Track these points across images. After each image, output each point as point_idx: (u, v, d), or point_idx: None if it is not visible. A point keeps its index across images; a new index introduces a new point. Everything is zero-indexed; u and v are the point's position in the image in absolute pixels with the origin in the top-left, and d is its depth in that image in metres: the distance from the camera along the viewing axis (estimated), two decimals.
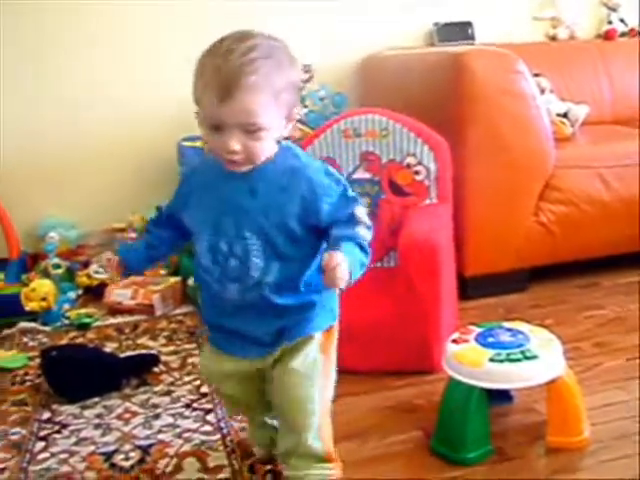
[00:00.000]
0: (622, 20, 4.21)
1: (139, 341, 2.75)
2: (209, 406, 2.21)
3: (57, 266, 3.25)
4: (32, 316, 2.96)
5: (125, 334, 2.84)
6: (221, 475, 1.86)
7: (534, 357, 1.85)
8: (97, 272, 3.15)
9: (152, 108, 3.54)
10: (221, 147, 1.45)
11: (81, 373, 2.31)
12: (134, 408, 2.23)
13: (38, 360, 2.52)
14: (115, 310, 3.04)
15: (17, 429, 2.16)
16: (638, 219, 3.01)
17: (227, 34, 1.46)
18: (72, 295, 3.15)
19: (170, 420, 2.14)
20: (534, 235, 2.93)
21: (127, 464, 1.94)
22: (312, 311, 1.62)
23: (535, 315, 2.63)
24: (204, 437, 2.04)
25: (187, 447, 1.99)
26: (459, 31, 3.90)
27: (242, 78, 1.38)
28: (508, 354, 1.86)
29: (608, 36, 4.15)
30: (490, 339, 1.94)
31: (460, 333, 2.01)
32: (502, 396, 2.06)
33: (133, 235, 3.32)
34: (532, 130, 2.81)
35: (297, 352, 1.61)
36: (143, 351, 2.62)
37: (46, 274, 3.18)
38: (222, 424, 2.10)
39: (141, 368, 2.42)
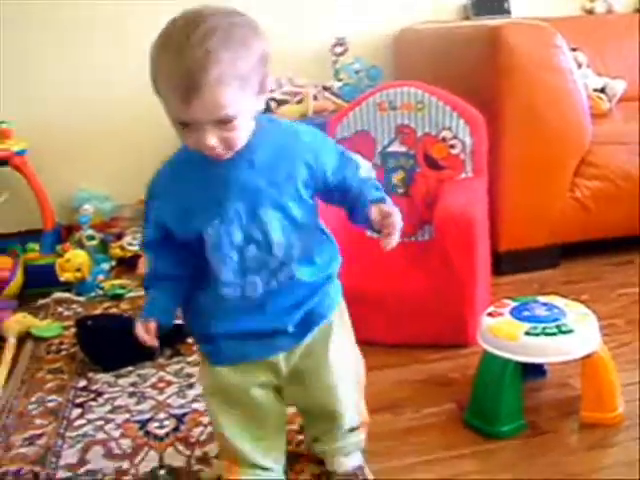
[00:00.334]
0: None
1: None
2: None
3: (91, 238, 3.27)
4: (66, 286, 2.99)
5: None
6: None
7: (570, 331, 1.84)
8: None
9: None
10: (197, 144, 1.31)
11: (116, 342, 2.32)
12: (168, 377, 2.25)
13: (73, 329, 2.55)
14: None
15: (54, 396, 2.20)
16: None
17: (176, 17, 1.28)
18: (106, 266, 3.17)
19: None
20: (569, 211, 2.90)
21: (162, 432, 1.97)
22: (330, 285, 1.56)
23: (569, 291, 2.61)
24: None
25: None
26: (495, 4, 3.86)
27: (204, 73, 1.22)
28: (544, 328, 1.85)
29: None
30: (525, 313, 1.93)
31: (495, 307, 2.00)
32: (536, 371, 2.06)
33: None
34: (569, 105, 2.78)
35: (326, 337, 1.56)
36: (176, 321, 2.62)
37: (80, 245, 3.20)
38: None
39: (174, 338, 2.43)
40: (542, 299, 2.01)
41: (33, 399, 2.19)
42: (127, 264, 3.25)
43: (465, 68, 2.92)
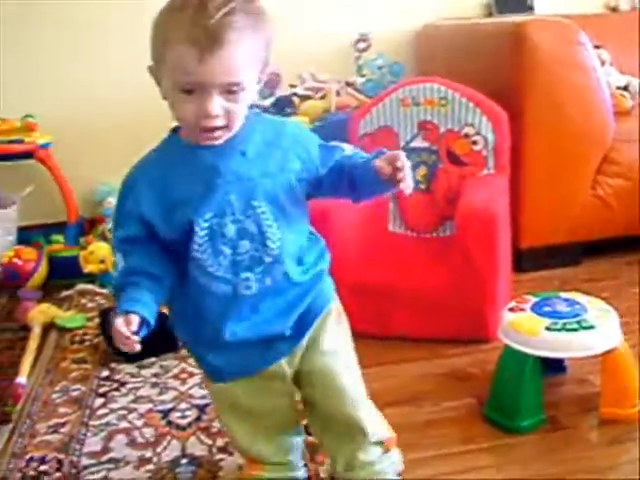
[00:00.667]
0: None
1: None
2: None
3: None
4: (90, 278, 3.02)
5: None
6: None
7: (591, 327, 1.85)
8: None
9: None
10: (198, 113, 1.26)
11: None
12: (190, 369, 2.27)
13: (96, 320, 2.59)
14: None
15: (78, 386, 2.23)
16: None
17: None
18: None
19: None
20: (591, 208, 2.90)
21: (184, 422, 1.99)
22: (322, 283, 1.48)
23: (590, 288, 2.60)
24: None
25: None
26: (518, 1, 3.85)
27: (225, 31, 1.20)
28: (564, 323, 1.86)
29: None
30: (546, 308, 1.93)
31: (516, 302, 2.01)
32: (556, 366, 2.07)
33: None
34: (592, 102, 2.78)
35: (322, 335, 1.48)
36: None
37: (103, 238, 3.23)
38: None
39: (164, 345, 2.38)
40: (564, 295, 2.02)
41: (57, 388, 2.22)
42: None
43: (488, 65, 2.92)
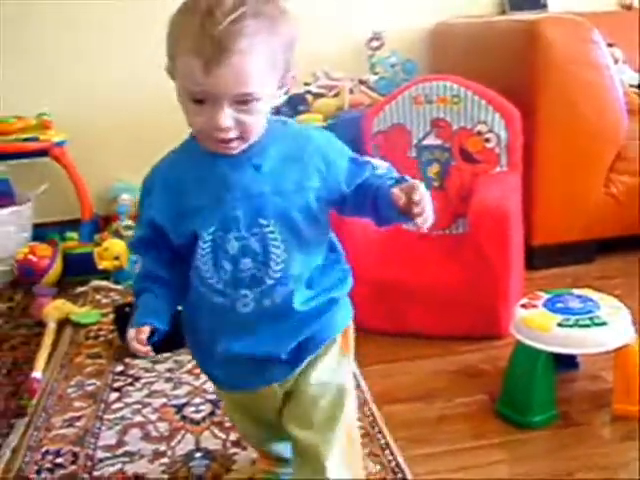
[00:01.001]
0: None
1: None
2: None
3: (128, 227, 3.31)
4: (104, 274, 3.04)
5: None
6: None
7: (603, 324, 1.85)
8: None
9: None
10: (209, 124, 1.20)
11: None
12: None
13: (111, 316, 2.61)
14: None
15: (92, 380, 2.25)
16: None
17: None
18: None
19: None
20: (603, 206, 2.90)
21: (198, 416, 2.01)
22: (335, 310, 1.40)
23: (602, 286, 2.59)
24: None
25: None
26: None
27: (233, 40, 1.13)
28: (577, 320, 1.86)
29: None
30: (559, 305, 1.94)
31: (529, 298, 2.01)
32: (568, 363, 2.07)
33: None
34: (605, 100, 2.78)
35: (319, 361, 1.40)
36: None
37: (118, 235, 3.25)
38: None
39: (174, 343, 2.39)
40: (576, 292, 2.03)
41: (72, 382, 2.24)
42: None
43: (501, 62, 2.93)
